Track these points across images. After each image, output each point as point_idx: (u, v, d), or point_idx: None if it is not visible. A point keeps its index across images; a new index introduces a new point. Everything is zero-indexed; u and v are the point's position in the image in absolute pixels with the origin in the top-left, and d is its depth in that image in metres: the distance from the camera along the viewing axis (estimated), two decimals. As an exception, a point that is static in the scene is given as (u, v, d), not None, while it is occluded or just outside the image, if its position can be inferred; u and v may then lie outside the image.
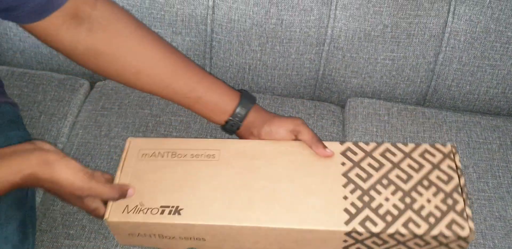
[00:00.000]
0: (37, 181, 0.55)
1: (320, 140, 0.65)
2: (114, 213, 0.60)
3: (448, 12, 0.80)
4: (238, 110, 0.68)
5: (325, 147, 0.65)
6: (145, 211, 0.60)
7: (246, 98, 0.69)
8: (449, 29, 0.81)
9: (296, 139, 0.66)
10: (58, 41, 0.63)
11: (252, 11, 0.80)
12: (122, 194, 0.61)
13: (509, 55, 0.82)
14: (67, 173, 0.55)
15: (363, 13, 0.80)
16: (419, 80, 0.86)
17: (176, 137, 0.79)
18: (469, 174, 0.76)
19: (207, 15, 0.82)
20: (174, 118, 0.82)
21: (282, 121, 0.67)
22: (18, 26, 0.86)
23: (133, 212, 0.60)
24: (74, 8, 0.62)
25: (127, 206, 0.61)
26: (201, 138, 0.79)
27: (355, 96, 0.88)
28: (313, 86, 0.89)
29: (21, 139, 0.72)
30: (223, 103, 0.68)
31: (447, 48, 0.82)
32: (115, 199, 0.60)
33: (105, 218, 0.60)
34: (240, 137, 0.71)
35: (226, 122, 0.69)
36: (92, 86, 0.89)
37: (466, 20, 0.80)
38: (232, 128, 0.70)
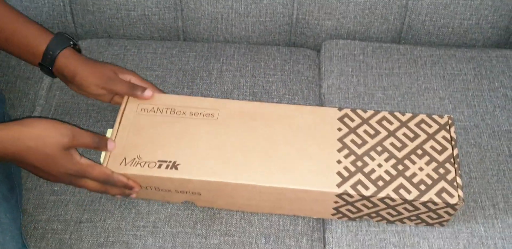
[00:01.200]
0: (18, 141, 0.55)
1: (135, 86, 0.67)
2: (111, 164, 0.62)
3: None
4: (46, 53, 0.65)
5: (143, 90, 0.66)
6: (142, 164, 0.62)
7: (57, 41, 0.66)
8: (418, -39, 0.79)
9: (113, 92, 0.67)
10: None
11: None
12: (102, 141, 0.62)
13: (481, -16, 0.81)
14: (50, 126, 0.57)
15: (330, -50, 0.78)
16: (392, 17, 0.85)
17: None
18: (445, 105, 0.77)
19: (170, -37, 0.80)
20: (149, 73, 0.81)
21: (93, 76, 0.66)
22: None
23: (131, 165, 0.62)
24: None
25: (124, 158, 0.62)
26: (180, 91, 0.79)
27: (330, 39, 0.88)
28: (288, 32, 0.88)
29: None
30: (32, 46, 0.66)
31: (418, -19, 0.81)
32: (95, 144, 0.61)
33: None
34: (66, 84, 0.70)
35: (40, 65, 0.67)
36: (65, 47, 0.89)
37: (435, -50, 0.78)
38: (46, 72, 0.68)
